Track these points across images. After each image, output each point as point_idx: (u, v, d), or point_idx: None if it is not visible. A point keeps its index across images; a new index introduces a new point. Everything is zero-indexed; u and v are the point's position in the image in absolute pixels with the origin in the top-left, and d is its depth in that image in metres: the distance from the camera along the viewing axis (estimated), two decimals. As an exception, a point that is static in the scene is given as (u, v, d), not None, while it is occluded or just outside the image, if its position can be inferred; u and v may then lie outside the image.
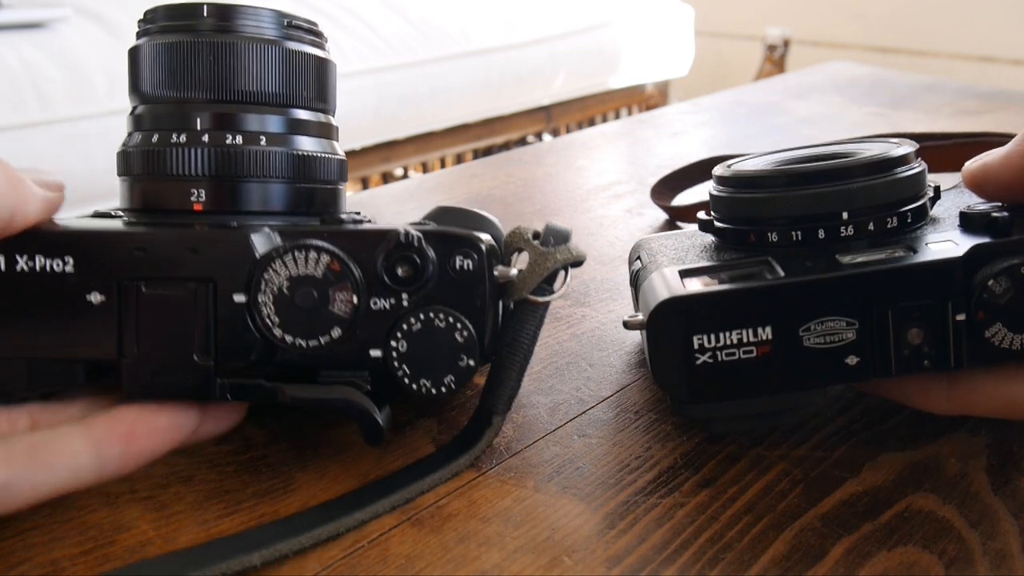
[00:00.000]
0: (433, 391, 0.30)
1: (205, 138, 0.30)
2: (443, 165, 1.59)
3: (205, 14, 0.30)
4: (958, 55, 2.01)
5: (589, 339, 0.43)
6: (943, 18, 2.03)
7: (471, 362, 0.30)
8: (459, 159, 1.60)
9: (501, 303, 0.32)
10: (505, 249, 0.33)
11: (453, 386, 0.30)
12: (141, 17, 0.31)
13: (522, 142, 1.70)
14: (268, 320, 0.29)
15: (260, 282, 0.29)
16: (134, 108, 0.32)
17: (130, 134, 0.31)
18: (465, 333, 0.30)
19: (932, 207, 0.33)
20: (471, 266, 0.30)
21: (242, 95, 0.30)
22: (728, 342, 0.29)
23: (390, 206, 0.67)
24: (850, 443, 0.33)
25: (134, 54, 0.31)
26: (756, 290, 0.29)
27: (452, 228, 0.31)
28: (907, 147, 0.33)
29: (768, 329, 0.28)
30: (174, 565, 0.27)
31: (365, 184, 1.50)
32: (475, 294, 0.30)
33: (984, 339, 0.28)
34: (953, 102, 0.95)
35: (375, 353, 0.30)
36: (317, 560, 0.27)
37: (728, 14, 2.47)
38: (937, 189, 0.33)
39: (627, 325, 0.32)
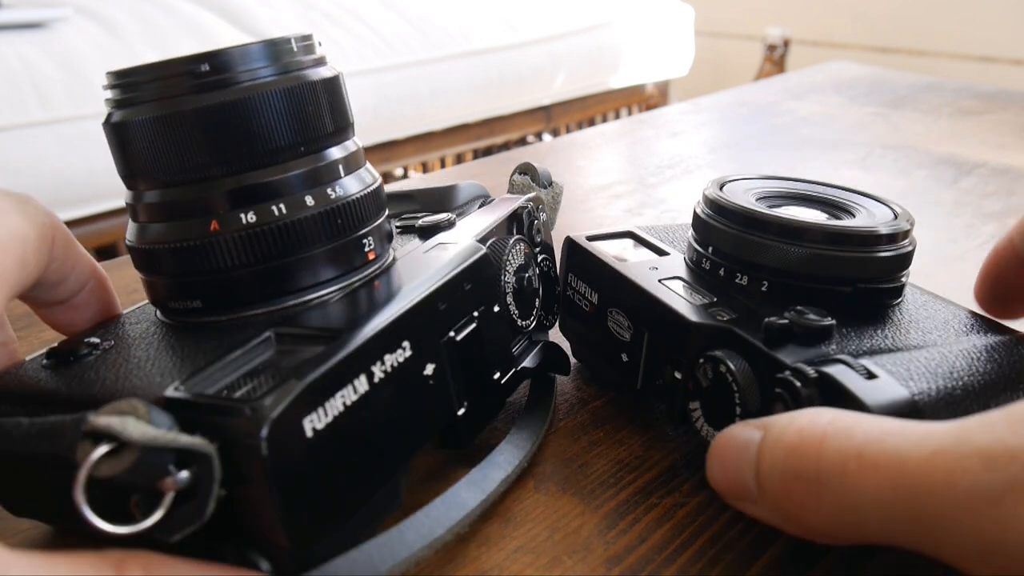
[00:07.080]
0: (555, 320, 0.38)
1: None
2: (443, 165, 1.59)
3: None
4: (958, 55, 2.01)
5: (589, 339, 0.43)
6: (943, 18, 2.03)
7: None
8: (459, 159, 1.60)
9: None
10: (536, 205, 0.37)
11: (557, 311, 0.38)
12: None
13: (522, 142, 1.70)
14: (514, 314, 0.33)
15: (504, 286, 0.32)
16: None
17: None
18: (549, 263, 0.37)
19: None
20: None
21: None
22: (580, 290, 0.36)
23: (390, 206, 0.67)
24: (850, 443, 0.33)
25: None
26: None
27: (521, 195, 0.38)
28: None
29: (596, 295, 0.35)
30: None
31: (365, 184, 1.50)
32: (541, 235, 0.37)
33: (687, 408, 0.29)
34: (953, 102, 0.95)
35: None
36: (317, 560, 0.27)
37: (728, 14, 2.47)
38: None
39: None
